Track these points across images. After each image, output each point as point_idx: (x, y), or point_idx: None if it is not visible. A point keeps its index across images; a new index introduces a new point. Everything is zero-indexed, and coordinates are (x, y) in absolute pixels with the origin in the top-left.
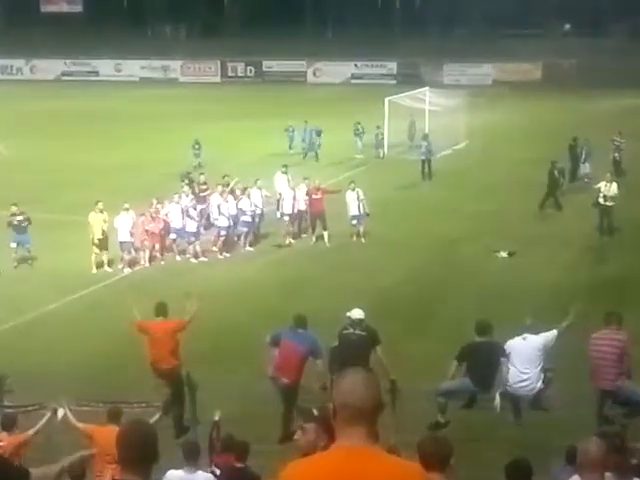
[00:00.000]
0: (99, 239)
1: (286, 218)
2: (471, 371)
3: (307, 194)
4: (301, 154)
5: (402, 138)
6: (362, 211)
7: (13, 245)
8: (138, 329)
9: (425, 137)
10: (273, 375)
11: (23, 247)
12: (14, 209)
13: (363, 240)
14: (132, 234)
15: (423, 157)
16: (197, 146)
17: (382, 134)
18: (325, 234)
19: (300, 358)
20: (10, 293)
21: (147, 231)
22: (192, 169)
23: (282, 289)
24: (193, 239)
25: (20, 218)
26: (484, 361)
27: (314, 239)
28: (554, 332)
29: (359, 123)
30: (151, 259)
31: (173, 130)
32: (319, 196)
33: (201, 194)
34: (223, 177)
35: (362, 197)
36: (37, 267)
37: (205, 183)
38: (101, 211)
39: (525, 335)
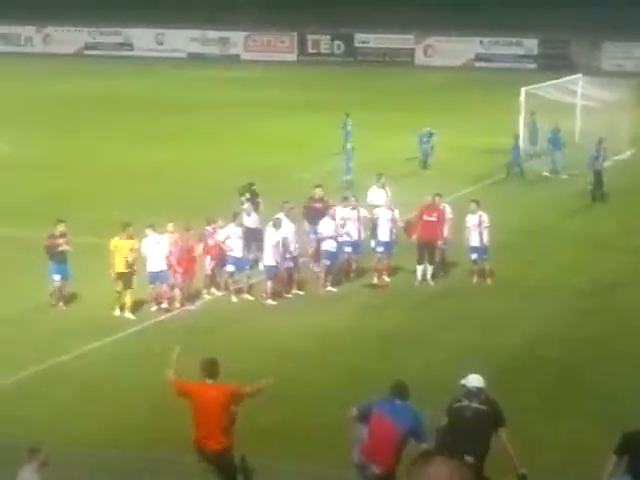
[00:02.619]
0: (122, 273)
1: (380, 249)
2: (634, 466)
3: (420, 214)
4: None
5: (543, 143)
6: (486, 242)
7: (56, 278)
8: (178, 392)
9: (600, 142)
10: (360, 462)
11: (65, 280)
12: (61, 228)
13: (488, 282)
14: (170, 264)
15: (598, 167)
16: (349, 154)
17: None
18: (429, 270)
19: (398, 440)
20: (22, 338)
21: (186, 258)
22: (344, 185)
23: (374, 346)
24: (273, 275)
25: (62, 241)
26: None
27: (419, 277)
28: None
29: (535, 122)
30: (193, 297)
31: (232, 124)
32: (434, 218)
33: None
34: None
35: (487, 223)
36: (45, 305)
37: (322, 199)
38: (130, 237)
39: None
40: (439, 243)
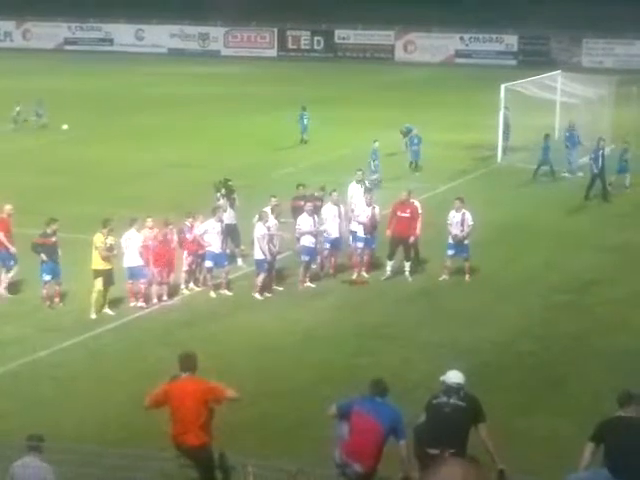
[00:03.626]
0: (103, 270)
1: (359, 244)
2: (610, 456)
3: (394, 211)
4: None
5: (523, 140)
6: (467, 241)
7: (47, 278)
8: (156, 402)
9: (599, 142)
10: (342, 460)
11: (57, 279)
12: (54, 227)
13: (467, 278)
14: (145, 260)
15: (594, 170)
16: (376, 153)
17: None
18: (407, 266)
19: (380, 437)
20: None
21: (163, 253)
22: (372, 185)
23: (353, 342)
24: (263, 269)
25: (54, 240)
26: (627, 443)
27: (388, 272)
28: None
29: (573, 129)
30: (172, 293)
31: (211, 120)
32: (407, 214)
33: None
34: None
35: (470, 222)
36: (26, 300)
37: (305, 195)
38: (111, 231)
39: None
40: (411, 239)
